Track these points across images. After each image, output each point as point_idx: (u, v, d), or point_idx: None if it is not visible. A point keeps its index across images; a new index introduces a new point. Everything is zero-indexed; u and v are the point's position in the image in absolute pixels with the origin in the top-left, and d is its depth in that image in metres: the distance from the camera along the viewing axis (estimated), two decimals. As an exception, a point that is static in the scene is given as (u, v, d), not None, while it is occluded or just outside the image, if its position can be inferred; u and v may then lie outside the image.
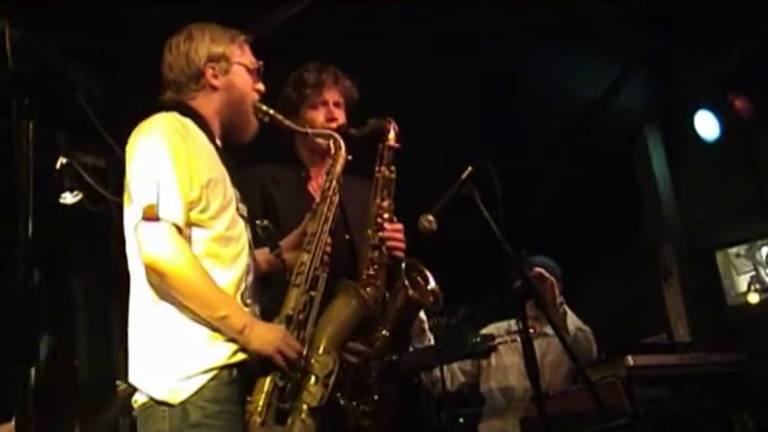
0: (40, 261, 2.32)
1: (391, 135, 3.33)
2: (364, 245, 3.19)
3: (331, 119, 3.44)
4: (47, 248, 2.71)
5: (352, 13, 4.98)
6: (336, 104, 3.49)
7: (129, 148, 2.68)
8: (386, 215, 3.23)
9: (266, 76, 3.02)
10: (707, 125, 6.85)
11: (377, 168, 3.30)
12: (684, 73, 6.73)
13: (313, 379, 2.64)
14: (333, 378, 2.65)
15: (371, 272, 3.15)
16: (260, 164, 3.41)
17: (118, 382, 5.13)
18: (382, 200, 3.26)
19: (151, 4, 4.46)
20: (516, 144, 6.63)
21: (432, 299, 3.18)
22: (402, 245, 3.22)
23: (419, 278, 3.20)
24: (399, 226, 3.25)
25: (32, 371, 2.16)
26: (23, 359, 2.17)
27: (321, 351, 2.70)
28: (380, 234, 3.19)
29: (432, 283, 3.18)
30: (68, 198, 5.50)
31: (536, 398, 3.30)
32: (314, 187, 3.46)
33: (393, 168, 3.31)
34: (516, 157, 6.22)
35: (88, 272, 6.43)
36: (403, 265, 3.17)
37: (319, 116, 3.44)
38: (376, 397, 3.02)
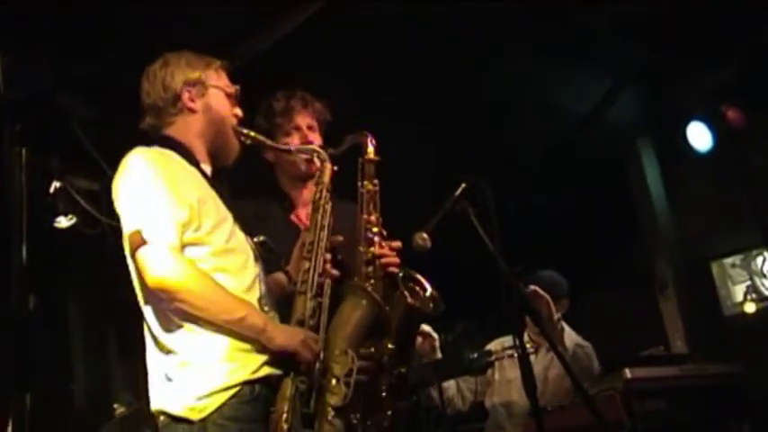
0: (35, 286, 2.32)
1: (370, 149, 3.31)
2: (357, 261, 3.17)
3: (306, 142, 3.43)
4: (42, 273, 2.71)
5: (345, 31, 5.00)
6: (310, 128, 3.49)
7: (113, 190, 2.69)
8: (374, 229, 3.21)
9: (259, 96, 3.03)
10: (700, 137, 6.87)
11: (359, 183, 3.28)
12: (676, 85, 6.74)
13: (334, 380, 2.66)
14: (353, 376, 2.67)
15: (368, 287, 3.12)
16: (242, 201, 3.38)
17: (115, 406, 5.12)
18: (369, 214, 3.24)
19: (142, 29, 4.49)
20: (509, 159, 6.63)
21: (432, 305, 3.19)
22: (395, 261, 3.20)
23: (416, 287, 3.21)
24: (395, 244, 3.23)
25: (28, 397, 2.16)
26: (19, 386, 2.17)
27: (338, 352, 2.72)
28: (372, 250, 3.17)
29: (429, 290, 3.20)
30: (63, 222, 5.50)
31: (534, 413, 3.30)
32: (297, 215, 3.49)
33: (376, 181, 3.29)
34: (510, 173, 6.22)
35: (84, 296, 6.42)
36: (400, 275, 3.17)
37: (294, 141, 3.43)
38: (389, 412, 3.01)
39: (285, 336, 2.60)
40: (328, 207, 3.01)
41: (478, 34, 5.42)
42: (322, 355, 2.67)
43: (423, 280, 3.21)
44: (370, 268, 3.15)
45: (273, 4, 4.87)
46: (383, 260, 3.17)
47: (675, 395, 4.42)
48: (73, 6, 4.30)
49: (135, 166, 2.67)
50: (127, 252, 2.65)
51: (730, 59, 6.38)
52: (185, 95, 2.86)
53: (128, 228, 2.58)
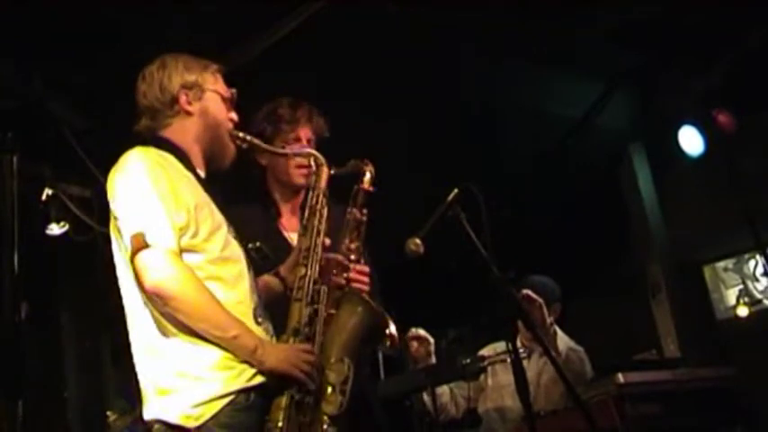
0: (27, 294, 2.31)
1: (367, 178, 3.28)
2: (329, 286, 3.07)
3: None
4: (34, 281, 2.70)
5: (329, 40, 5.00)
6: (309, 141, 3.49)
7: (109, 186, 2.69)
8: (353, 257, 3.17)
9: (243, 103, 3.03)
10: (691, 141, 6.88)
11: (349, 210, 3.25)
12: (667, 90, 6.76)
13: (330, 388, 2.66)
14: (349, 384, 2.67)
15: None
16: (230, 207, 3.37)
17: (109, 413, 5.11)
18: (351, 241, 3.20)
19: (134, 36, 4.49)
20: (501, 167, 6.64)
21: (389, 343, 3.11)
22: (366, 287, 3.14)
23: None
24: (366, 268, 3.19)
25: (20, 405, 2.15)
26: (11, 394, 2.17)
27: (333, 360, 2.72)
28: (346, 275, 3.10)
29: (391, 328, 3.09)
30: (55, 229, 5.49)
31: (527, 418, 3.30)
32: (283, 224, 3.49)
33: (365, 211, 3.26)
34: (502, 180, 6.23)
35: (77, 303, 6.41)
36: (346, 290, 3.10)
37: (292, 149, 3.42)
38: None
39: (275, 358, 2.59)
40: (324, 212, 3.01)
41: (471, 40, 5.44)
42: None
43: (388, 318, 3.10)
44: (339, 293, 3.05)
45: (273, 5, 4.86)
46: (354, 285, 3.09)
47: (668, 399, 4.42)
48: (65, 14, 4.30)
49: (135, 165, 2.66)
50: (121, 253, 2.65)
51: (720, 63, 6.40)
52: (182, 98, 2.85)
53: (129, 230, 2.56)
